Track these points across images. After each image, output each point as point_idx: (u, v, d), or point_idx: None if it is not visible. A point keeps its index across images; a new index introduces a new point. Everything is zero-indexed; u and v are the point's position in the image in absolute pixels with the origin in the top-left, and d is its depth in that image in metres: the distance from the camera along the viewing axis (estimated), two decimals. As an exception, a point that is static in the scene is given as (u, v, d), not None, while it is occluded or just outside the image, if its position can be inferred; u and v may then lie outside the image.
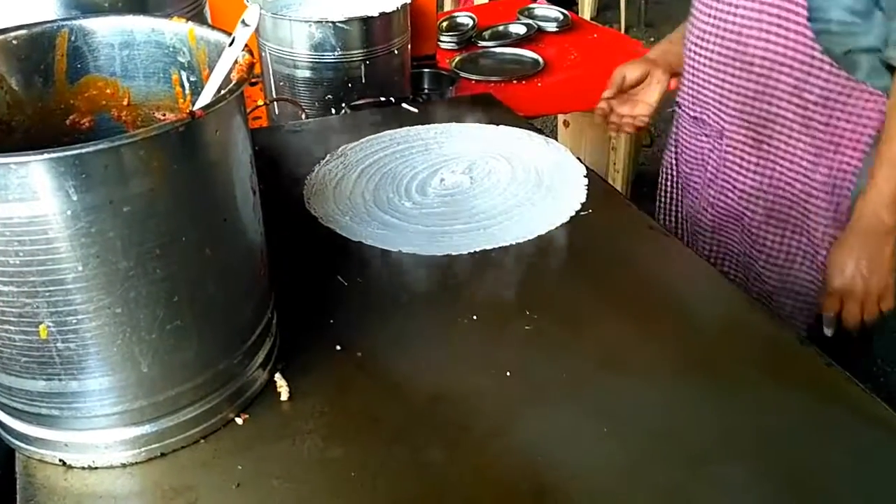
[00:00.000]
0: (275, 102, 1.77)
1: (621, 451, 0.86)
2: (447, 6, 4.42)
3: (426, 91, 2.13)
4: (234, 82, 0.76)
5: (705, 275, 1.15)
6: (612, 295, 1.09)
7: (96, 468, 0.83)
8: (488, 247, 1.19)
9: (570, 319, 1.05)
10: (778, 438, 0.89)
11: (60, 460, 0.83)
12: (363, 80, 1.72)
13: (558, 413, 0.91)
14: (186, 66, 0.90)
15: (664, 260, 1.18)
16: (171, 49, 0.90)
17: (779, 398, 0.94)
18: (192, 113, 0.68)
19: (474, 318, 1.05)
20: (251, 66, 0.78)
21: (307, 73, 1.70)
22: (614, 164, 2.93)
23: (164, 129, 0.67)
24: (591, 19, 5.01)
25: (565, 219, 1.25)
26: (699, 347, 1.01)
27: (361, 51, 1.69)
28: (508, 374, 0.96)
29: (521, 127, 1.55)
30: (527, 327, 1.03)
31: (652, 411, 0.92)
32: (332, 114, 1.71)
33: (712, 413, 0.92)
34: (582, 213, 1.27)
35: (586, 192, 1.32)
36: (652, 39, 5.57)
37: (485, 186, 1.35)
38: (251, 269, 0.88)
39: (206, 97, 0.81)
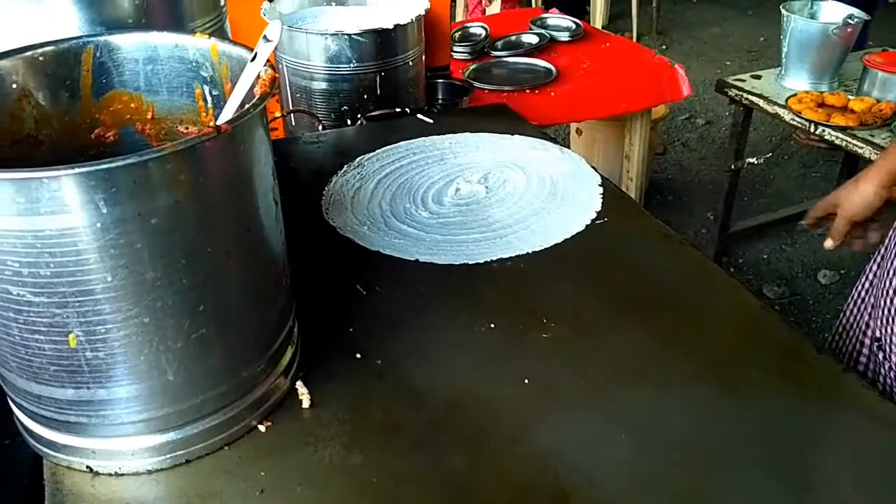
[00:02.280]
0: (291, 114, 1.79)
1: (640, 457, 0.87)
2: (458, 17, 4.45)
3: (440, 101, 2.14)
4: (257, 97, 0.77)
5: (721, 283, 1.15)
6: (628, 303, 1.10)
7: (123, 475, 0.85)
8: (504, 255, 1.20)
9: (587, 327, 1.06)
10: (794, 444, 0.89)
11: (87, 467, 0.85)
12: (378, 92, 1.74)
13: (577, 420, 0.92)
14: (209, 80, 0.92)
15: (680, 268, 1.18)
16: (194, 64, 0.92)
17: (795, 404, 0.94)
18: (217, 127, 0.70)
19: (492, 326, 1.06)
20: (274, 80, 0.80)
21: (323, 85, 1.72)
22: (628, 172, 2.94)
23: (191, 143, 0.69)
24: (603, 28, 5.03)
25: (581, 227, 1.26)
26: (715, 354, 1.01)
27: (377, 62, 1.71)
28: (527, 381, 0.97)
29: (535, 137, 1.56)
30: (544, 335, 1.04)
31: (669, 417, 0.92)
32: (347, 125, 1.73)
33: (729, 419, 0.92)
34: (597, 221, 1.28)
35: (601, 200, 1.33)
36: (664, 47, 5.59)
37: (500, 196, 1.37)
38: (274, 279, 0.89)
39: (229, 111, 0.83)
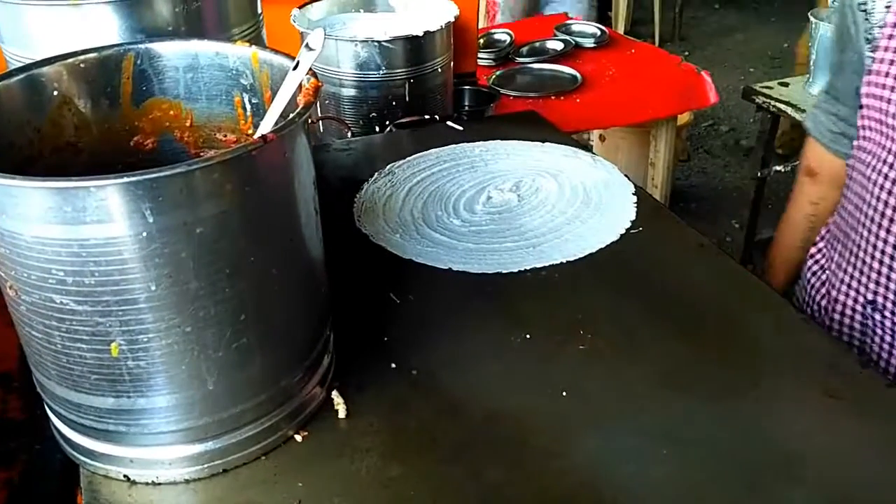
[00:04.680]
0: (320, 121, 1.79)
1: (681, 471, 0.86)
2: (480, 23, 4.45)
3: (467, 108, 2.14)
4: (301, 106, 0.77)
5: (760, 294, 1.14)
6: (666, 313, 1.09)
7: (160, 484, 0.84)
8: (539, 265, 1.19)
9: (625, 338, 1.04)
10: (838, 460, 0.88)
11: (125, 476, 0.85)
12: (407, 99, 1.73)
13: (616, 433, 0.91)
14: (249, 88, 0.92)
15: (718, 278, 1.17)
16: (234, 72, 0.92)
17: (839, 419, 0.92)
18: (264, 136, 0.70)
19: (527, 336, 1.05)
20: (317, 89, 0.79)
21: (352, 92, 1.72)
22: (652, 179, 2.92)
23: (237, 152, 0.69)
24: (625, 34, 5.00)
25: (616, 237, 1.25)
26: (757, 367, 1.00)
27: (406, 69, 1.71)
28: (564, 393, 0.96)
29: (566, 144, 1.55)
30: (581, 346, 1.03)
31: (710, 431, 0.91)
32: (376, 132, 1.72)
33: (771, 434, 0.91)
34: (632, 230, 1.26)
35: (635, 209, 1.31)
36: (686, 53, 5.56)
37: (533, 204, 1.36)
38: (313, 288, 0.89)
39: (270, 120, 0.83)
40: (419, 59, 1.72)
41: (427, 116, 1.70)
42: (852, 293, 1.27)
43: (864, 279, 1.23)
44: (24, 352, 0.83)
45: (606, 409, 0.94)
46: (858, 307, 1.26)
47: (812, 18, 2.69)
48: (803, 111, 2.62)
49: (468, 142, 1.56)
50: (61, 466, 1.00)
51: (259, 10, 1.16)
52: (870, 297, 1.23)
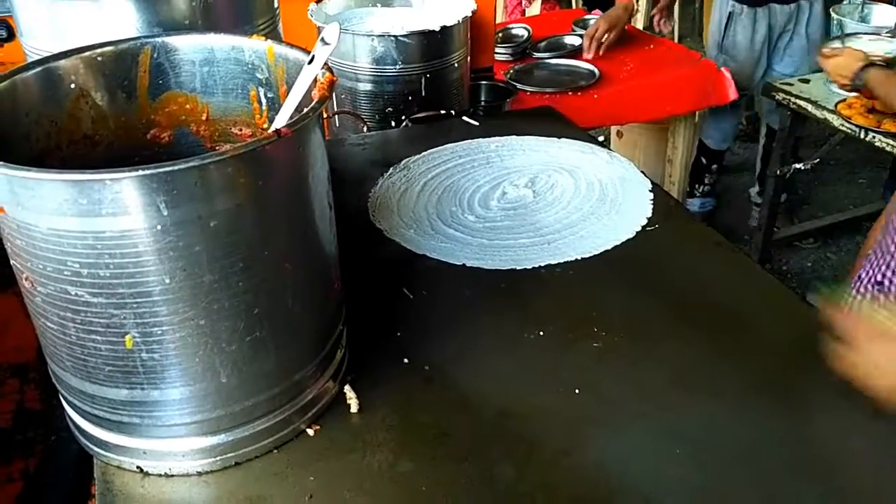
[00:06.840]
0: (336, 115, 1.79)
1: (694, 471, 0.85)
2: (498, 17, 4.43)
3: (483, 103, 2.13)
4: (316, 100, 0.77)
5: (776, 293, 1.13)
6: (681, 312, 1.08)
7: (173, 476, 0.85)
8: (553, 261, 1.18)
9: (640, 336, 1.04)
10: (852, 461, 0.87)
11: (138, 467, 0.85)
12: (423, 94, 1.73)
13: (629, 432, 0.90)
14: (264, 82, 0.92)
15: (733, 276, 1.16)
16: (249, 66, 0.92)
17: (853, 420, 0.91)
18: (278, 131, 0.70)
19: (541, 333, 1.04)
20: (332, 84, 0.79)
21: (368, 87, 1.71)
22: (670, 176, 2.89)
23: (251, 146, 0.69)
24: (644, 29, 4.96)
25: (631, 234, 1.24)
26: (771, 367, 0.99)
27: (422, 64, 1.70)
28: (577, 391, 0.95)
29: (583, 140, 1.54)
30: (595, 344, 1.02)
31: (724, 431, 0.90)
32: (392, 127, 1.72)
33: (785, 434, 0.90)
34: (648, 228, 1.26)
35: (652, 207, 1.31)
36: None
37: (548, 200, 1.35)
38: (326, 283, 0.89)
39: (285, 114, 0.83)
40: (436, 54, 1.71)
41: (443, 111, 1.70)
42: (871, 270, 1.29)
43: (880, 262, 1.26)
44: (40, 343, 0.84)
45: (619, 407, 0.93)
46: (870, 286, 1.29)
47: (834, 15, 2.66)
48: (823, 108, 2.59)
49: (484, 137, 1.56)
50: (77, 457, 1.02)
51: (276, 5, 1.16)
52: (878, 277, 1.25)
